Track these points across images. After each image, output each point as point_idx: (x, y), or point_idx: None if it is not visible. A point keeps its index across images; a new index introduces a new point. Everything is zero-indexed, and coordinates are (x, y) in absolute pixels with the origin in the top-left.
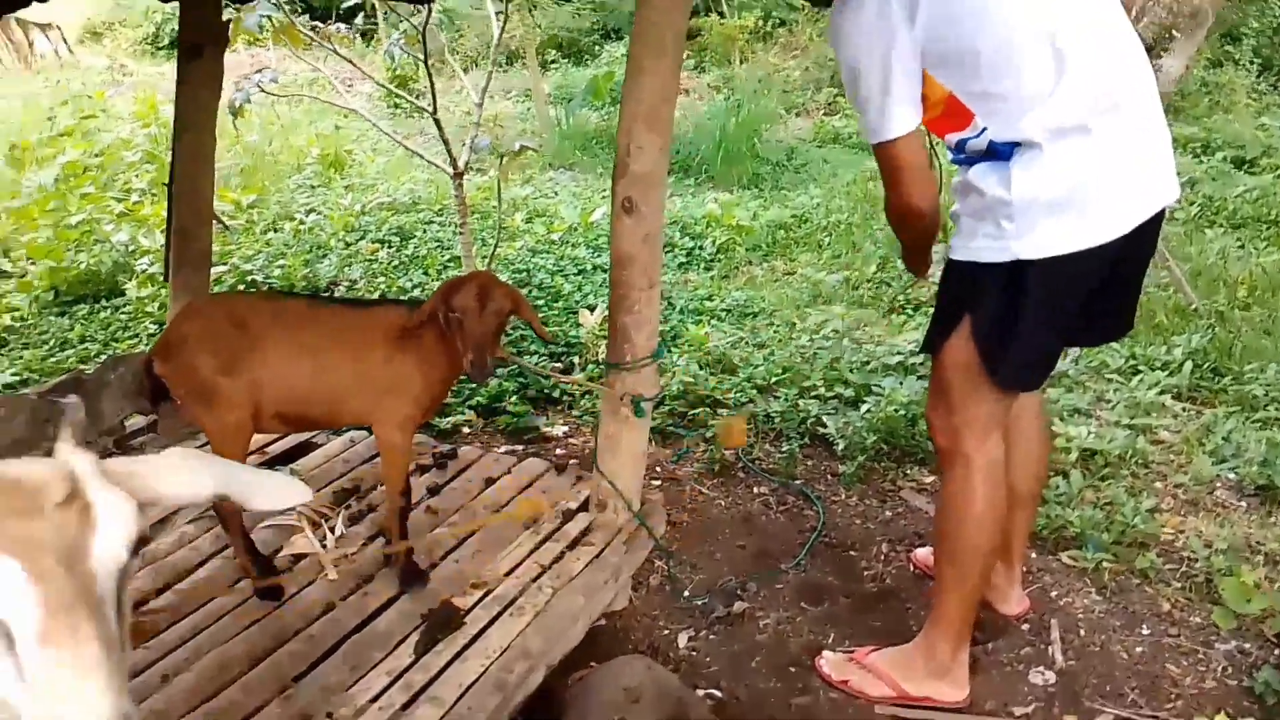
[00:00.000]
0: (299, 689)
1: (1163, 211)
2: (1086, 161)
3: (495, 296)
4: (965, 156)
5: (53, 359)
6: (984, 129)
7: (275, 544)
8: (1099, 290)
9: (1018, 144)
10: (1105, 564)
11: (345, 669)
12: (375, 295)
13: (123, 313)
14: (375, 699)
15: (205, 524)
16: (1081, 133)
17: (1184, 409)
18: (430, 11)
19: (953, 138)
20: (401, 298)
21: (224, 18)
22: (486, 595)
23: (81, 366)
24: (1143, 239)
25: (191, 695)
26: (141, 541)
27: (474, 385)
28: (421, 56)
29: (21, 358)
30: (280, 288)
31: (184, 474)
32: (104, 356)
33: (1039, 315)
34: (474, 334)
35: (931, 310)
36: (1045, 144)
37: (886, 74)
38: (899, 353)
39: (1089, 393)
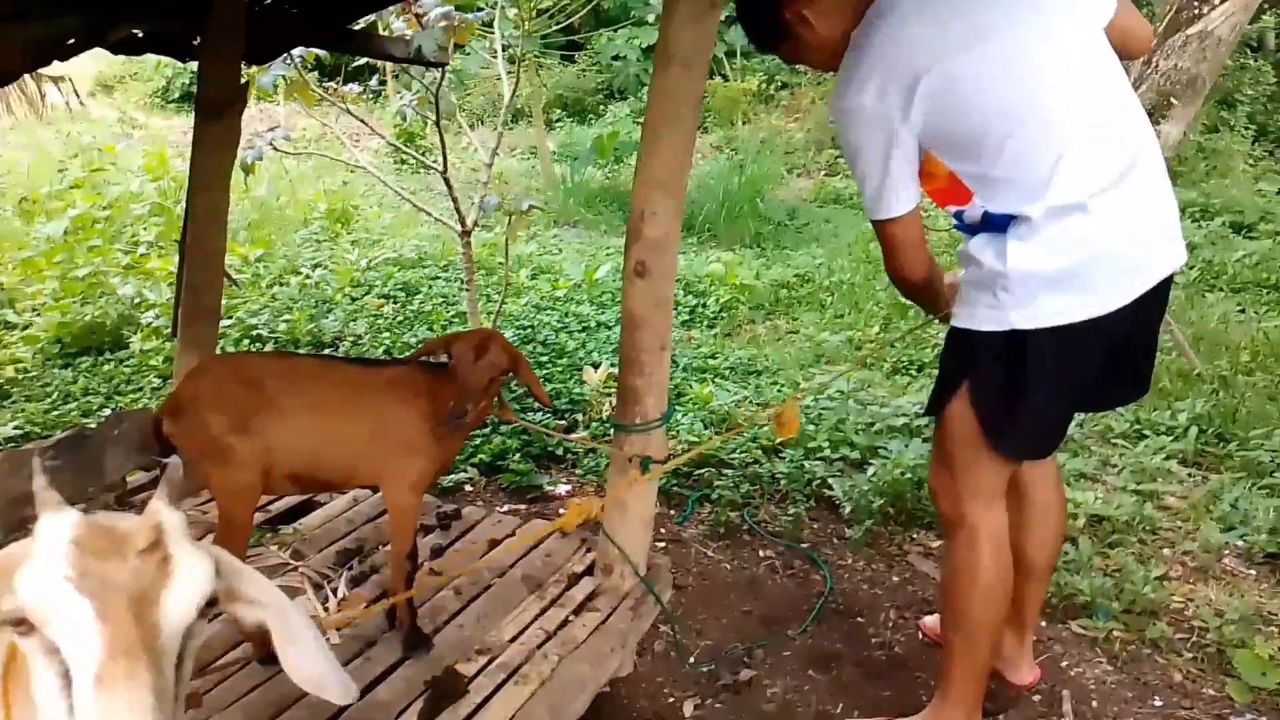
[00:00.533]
0: None
1: (1170, 276)
2: (1084, 238)
3: (493, 351)
4: (965, 226)
5: (55, 412)
6: (980, 206)
7: None
8: (1108, 357)
9: (1013, 216)
10: (1116, 633)
11: None
12: (380, 350)
13: (126, 366)
14: None
15: None
16: (1080, 211)
17: (1190, 474)
18: (444, 73)
19: (952, 208)
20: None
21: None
22: (490, 662)
23: (84, 420)
24: (1150, 305)
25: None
26: (211, 604)
27: (477, 443)
28: (433, 116)
29: (24, 410)
30: (285, 343)
31: (264, 595)
32: (106, 410)
33: (1039, 384)
34: (463, 382)
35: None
36: (1040, 221)
37: (885, 158)
38: (904, 414)
39: (1094, 457)
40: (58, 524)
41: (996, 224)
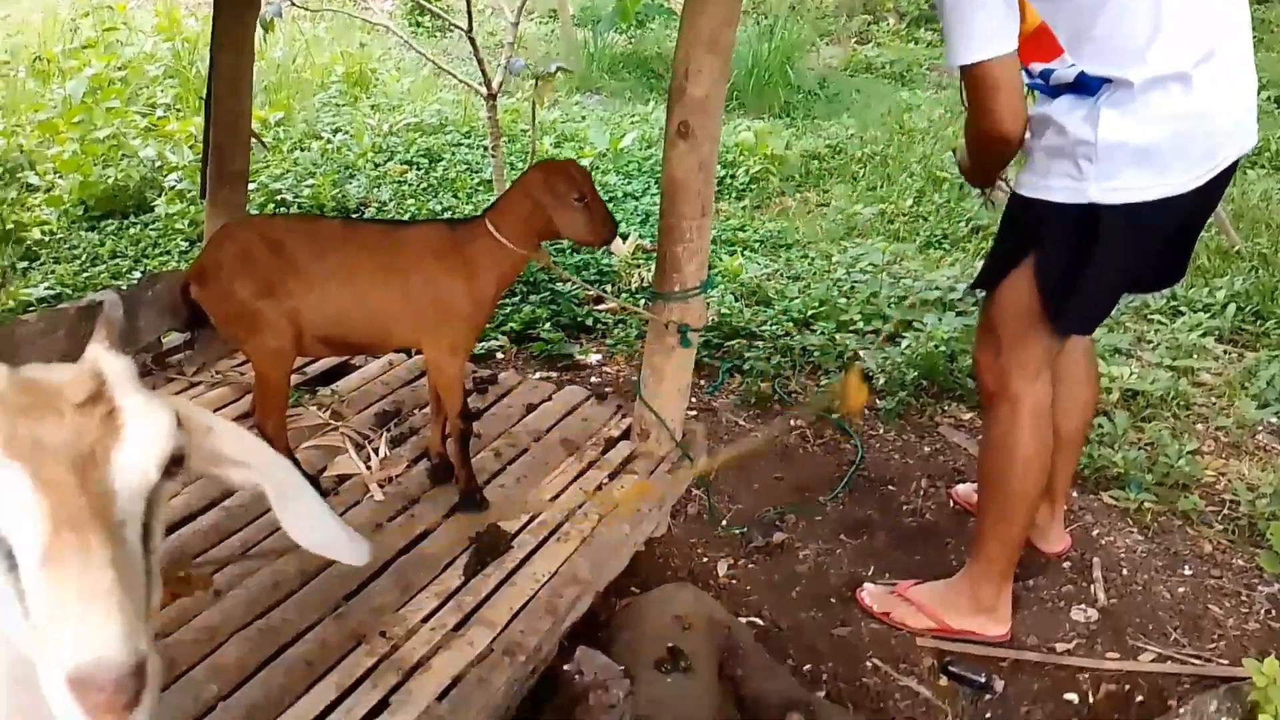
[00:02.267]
0: (350, 608)
1: (1238, 160)
2: (1179, 112)
3: (588, 175)
4: (1048, 86)
5: (85, 274)
6: (1074, 65)
7: (320, 465)
8: (1171, 239)
9: (1109, 80)
10: (1147, 505)
11: (395, 590)
12: (406, 215)
13: (152, 229)
14: (426, 619)
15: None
16: (1179, 81)
17: (1226, 351)
18: None
19: (1037, 66)
20: (439, 218)
21: None
22: (532, 521)
23: (115, 282)
24: (1217, 188)
25: (246, 611)
26: (176, 463)
27: (507, 311)
28: None
29: (54, 272)
30: (310, 208)
31: (246, 454)
32: (135, 273)
33: (1109, 262)
34: (600, 208)
35: (975, 244)
36: (1141, 87)
37: None
38: (937, 288)
39: (1130, 333)
40: None
41: (1088, 87)
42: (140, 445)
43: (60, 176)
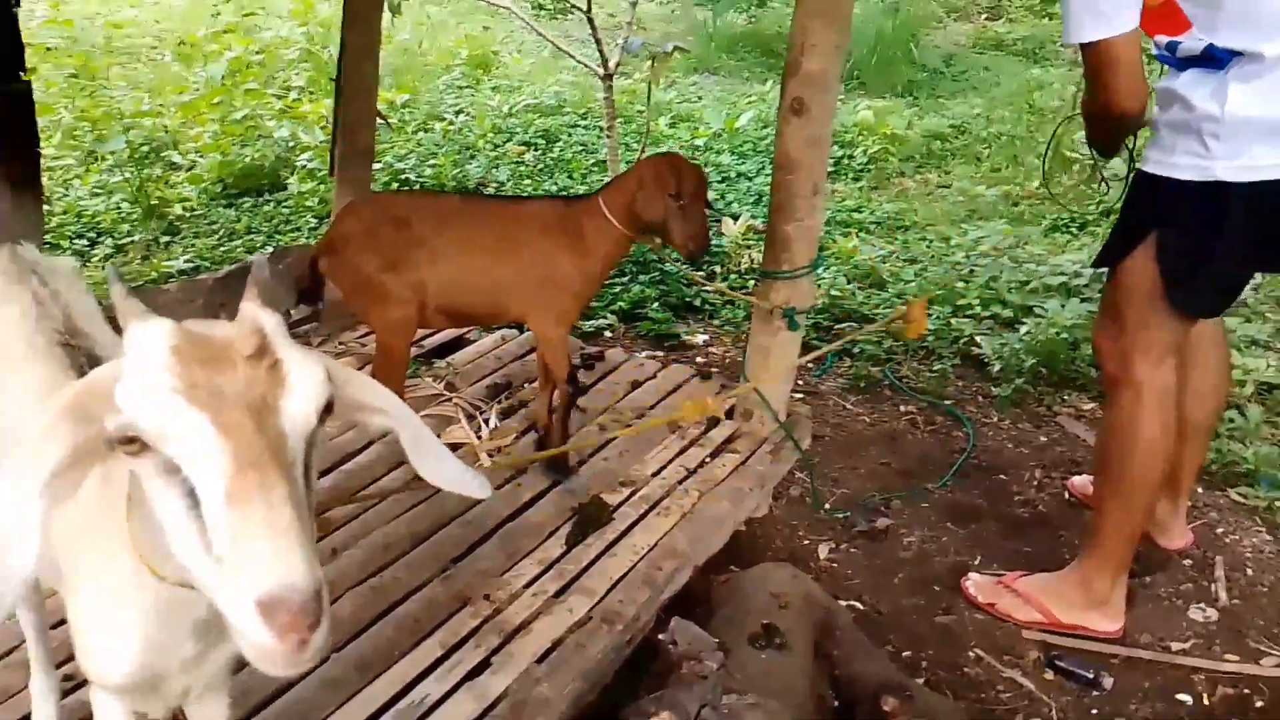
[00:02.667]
0: (457, 570)
1: None
2: None
3: (705, 182)
4: (1175, 59)
5: (222, 248)
6: (1201, 38)
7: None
8: None
9: (1239, 53)
10: (1278, 504)
11: (501, 555)
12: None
13: (284, 206)
14: (528, 585)
15: None
16: None
17: None
18: None
19: (1163, 39)
20: (554, 194)
21: None
22: (633, 494)
23: (249, 256)
24: None
25: (360, 569)
26: (328, 410)
27: (615, 290)
28: None
29: (194, 246)
30: (432, 187)
31: (380, 401)
32: (269, 247)
33: (1234, 241)
34: (697, 217)
35: (1105, 228)
36: (1271, 60)
37: None
38: (1062, 273)
39: (1269, 324)
40: (150, 333)
41: (1216, 60)
42: (303, 393)
43: (201, 156)
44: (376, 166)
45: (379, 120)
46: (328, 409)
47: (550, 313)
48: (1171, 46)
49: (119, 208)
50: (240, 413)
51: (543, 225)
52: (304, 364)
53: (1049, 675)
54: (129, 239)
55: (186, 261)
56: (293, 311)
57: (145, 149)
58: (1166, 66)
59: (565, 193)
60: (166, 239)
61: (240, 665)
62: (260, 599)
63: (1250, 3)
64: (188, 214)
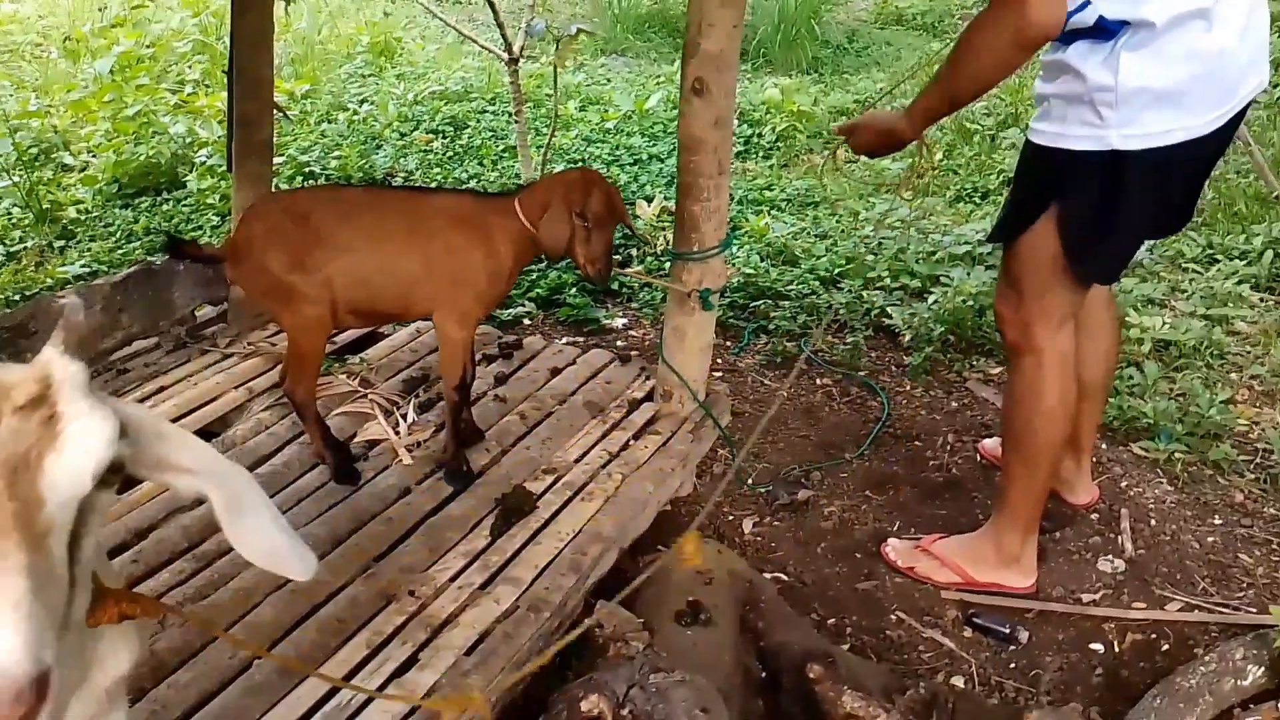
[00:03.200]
0: (380, 569)
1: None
2: (1198, 51)
3: (618, 204)
4: (1063, 33)
5: (119, 250)
6: (1095, 9)
7: (349, 431)
8: (1191, 181)
9: (1128, 23)
10: (1178, 455)
11: (424, 550)
12: (432, 185)
13: (185, 205)
14: (454, 578)
15: (281, 410)
16: (1199, 17)
17: (1262, 299)
18: None
19: None
20: (464, 187)
21: None
22: (557, 481)
23: (149, 258)
24: (1231, 128)
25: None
26: (114, 472)
27: (533, 277)
28: None
29: (89, 250)
30: (338, 179)
31: (200, 463)
32: None
33: (1134, 208)
34: (603, 241)
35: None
36: (1161, 28)
37: None
38: (966, 242)
39: (1164, 283)
40: None
41: (1107, 31)
42: (76, 453)
43: (93, 155)
44: (279, 160)
45: (276, 112)
46: (114, 470)
47: (454, 311)
48: None
49: (9, 213)
50: None
51: (452, 218)
52: (88, 420)
53: (968, 633)
54: (21, 245)
55: (83, 266)
56: (197, 313)
57: (34, 151)
58: (1051, 42)
59: (476, 179)
60: (61, 244)
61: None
62: None
63: None
64: (82, 217)
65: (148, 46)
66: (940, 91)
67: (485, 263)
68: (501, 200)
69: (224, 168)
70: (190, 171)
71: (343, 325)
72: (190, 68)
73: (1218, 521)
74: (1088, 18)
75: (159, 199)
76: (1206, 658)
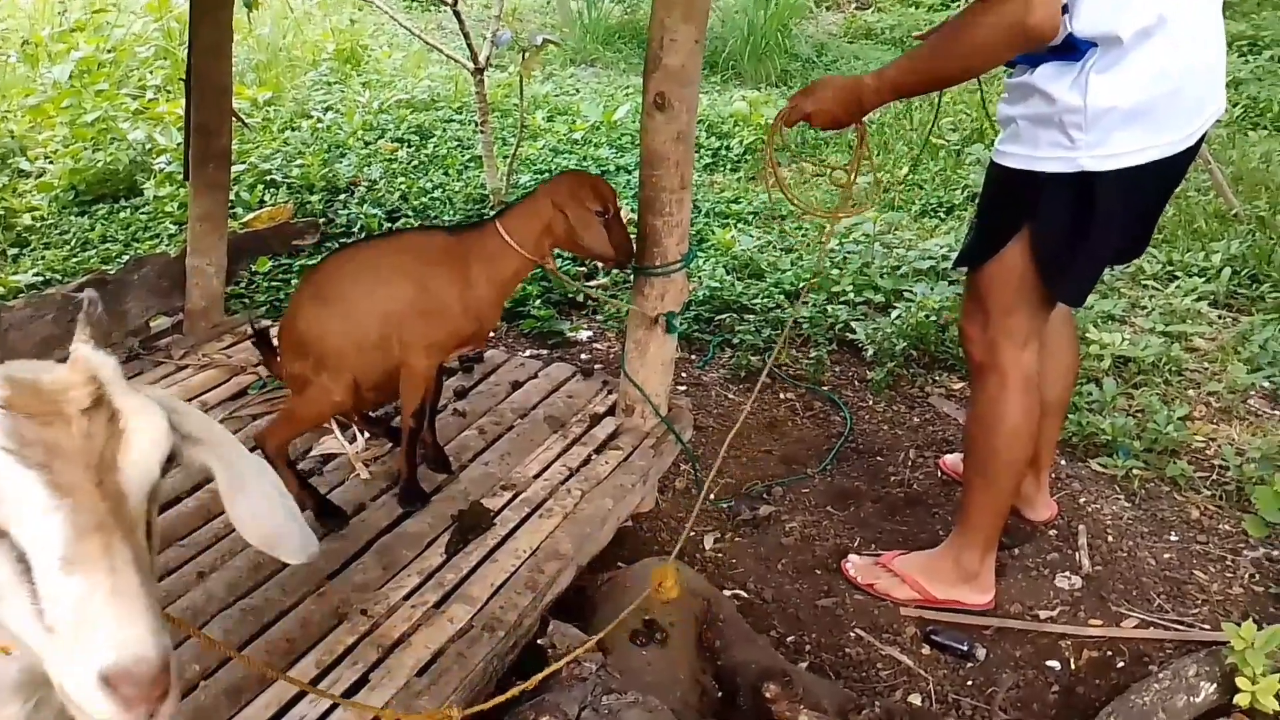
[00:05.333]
0: (332, 586)
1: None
2: (1166, 65)
3: (609, 187)
4: (1028, 55)
5: (75, 259)
6: (1062, 8)
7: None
8: (1158, 202)
9: (1095, 45)
10: (1135, 471)
11: (378, 568)
12: (395, 196)
13: (142, 213)
14: (408, 597)
15: (236, 423)
16: (1163, 33)
17: (1220, 316)
18: None
19: None
20: (436, 223)
21: None
22: (515, 497)
23: (104, 267)
24: (1194, 150)
25: (228, 592)
26: (171, 459)
27: None
28: None
29: (44, 258)
30: (300, 188)
31: (207, 433)
32: (125, 256)
33: (1107, 230)
34: (619, 224)
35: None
36: (1128, 43)
37: None
38: (931, 257)
39: (1124, 299)
40: None
41: (1076, 50)
42: (143, 447)
43: (50, 161)
44: (240, 167)
45: (235, 120)
46: (171, 460)
47: (421, 341)
48: None
49: None
50: (78, 471)
51: (422, 258)
52: (143, 414)
53: (926, 650)
54: None
55: (36, 275)
56: (151, 324)
57: None
58: (1017, 63)
59: (441, 189)
60: (14, 251)
61: None
62: (105, 672)
63: None
64: (37, 224)
65: (108, 51)
66: (918, 69)
67: (458, 296)
68: (478, 230)
69: (183, 175)
70: (149, 179)
71: (362, 407)
72: (151, 73)
73: (1174, 538)
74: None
75: (116, 206)
76: (1160, 674)
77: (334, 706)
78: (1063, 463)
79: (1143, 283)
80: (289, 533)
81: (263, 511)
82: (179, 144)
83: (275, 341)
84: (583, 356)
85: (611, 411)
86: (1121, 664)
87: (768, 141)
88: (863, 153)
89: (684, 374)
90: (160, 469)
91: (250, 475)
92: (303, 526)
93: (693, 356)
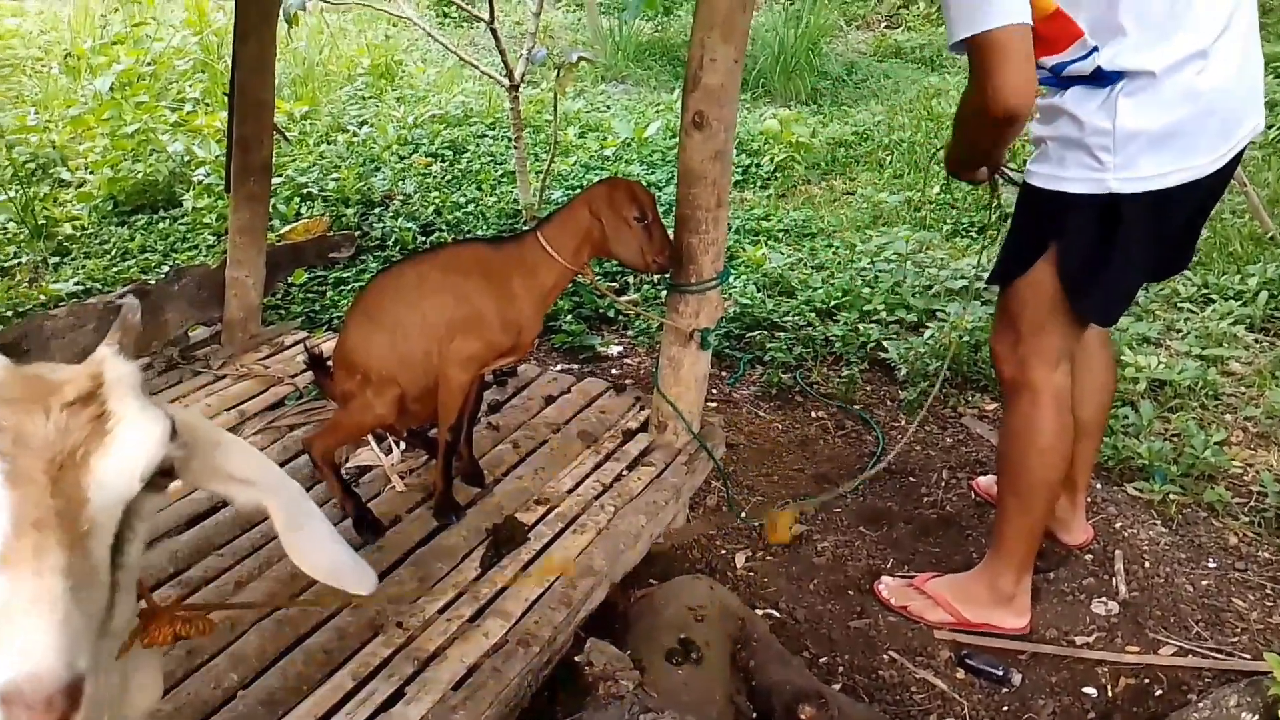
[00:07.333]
0: (368, 599)
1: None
2: (1198, 90)
3: (647, 192)
4: (1057, 78)
5: (115, 269)
6: (1093, 49)
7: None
8: (1191, 223)
9: (1125, 73)
10: (1172, 496)
11: (413, 581)
12: (429, 209)
13: (181, 224)
14: (443, 610)
15: (273, 434)
16: (1200, 58)
17: (1257, 340)
18: None
19: (1048, 60)
20: (477, 236)
21: None
22: (549, 512)
23: (143, 276)
24: (1229, 171)
25: (265, 602)
26: (166, 476)
27: None
28: None
29: (84, 267)
30: (335, 201)
31: (252, 471)
32: (164, 267)
33: (1133, 250)
34: (659, 229)
35: (1002, 235)
36: (1161, 75)
37: None
38: (963, 277)
39: (1159, 321)
40: None
41: (1105, 79)
42: (124, 452)
43: (91, 172)
44: (277, 180)
45: (276, 134)
46: (165, 473)
47: (457, 354)
48: (1057, 68)
49: (4, 228)
50: (38, 464)
51: (464, 270)
52: (138, 420)
53: (960, 674)
54: (15, 261)
55: (76, 284)
56: (190, 333)
57: (32, 166)
58: (1048, 86)
59: (474, 204)
60: (55, 260)
61: None
62: (1, 686)
63: (1142, 28)
64: (78, 233)
65: (148, 64)
66: (954, 154)
67: (500, 310)
68: (518, 242)
69: (221, 187)
70: (187, 190)
71: (407, 423)
72: (190, 86)
73: (1212, 565)
74: (1086, 67)
75: (155, 217)
76: (1200, 704)
77: (370, 718)
78: (1098, 487)
79: (1178, 305)
80: (347, 564)
81: (321, 550)
82: (217, 156)
83: (329, 362)
84: (613, 371)
85: (644, 428)
86: (1159, 692)
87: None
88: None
89: (714, 391)
90: (141, 480)
91: (304, 513)
92: (359, 560)
93: (723, 373)
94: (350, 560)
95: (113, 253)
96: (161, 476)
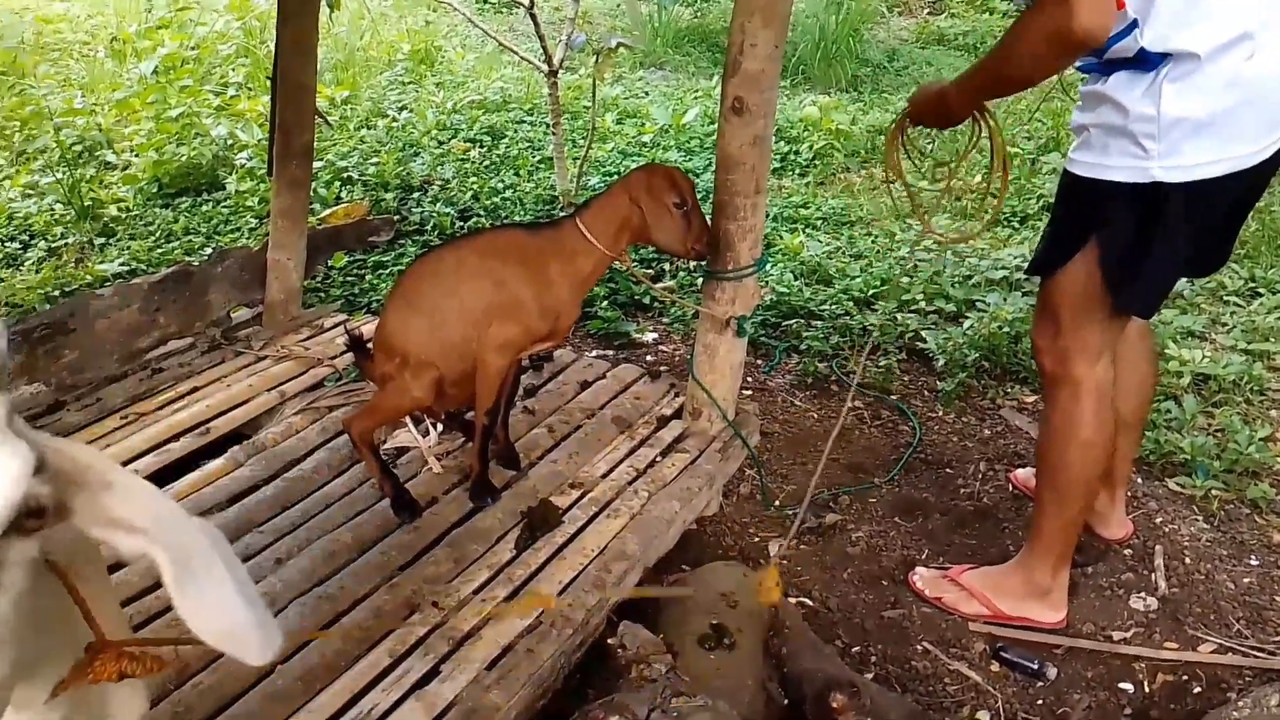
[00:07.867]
0: (405, 578)
1: None
2: (1244, 76)
3: (686, 179)
4: (1099, 65)
5: (159, 250)
6: (1133, 22)
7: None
8: (1232, 215)
9: (1170, 55)
10: (1215, 492)
11: (448, 561)
12: (467, 194)
13: (224, 206)
14: (478, 591)
15: (312, 415)
16: (1244, 41)
17: None
18: None
19: None
20: (515, 221)
21: None
22: (583, 496)
23: (187, 258)
24: (1277, 162)
25: (305, 579)
26: (33, 516)
27: None
28: None
29: (129, 248)
30: (374, 185)
31: (147, 520)
32: (207, 249)
33: (1174, 241)
34: (698, 216)
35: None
36: (1205, 58)
37: None
38: (1003, 267)
39: (1204, 315)
40: None
41: (1148, 62)
42: None
43: (136, 155)
44: (318, 165)
45: (317, 119)
46: (35, 513)
47: (494, 338)
48: (1097, 51)
49: (51, 209)
50: None
51: (502, 255)
52: None
53: (995, 667)
54: (62, 241)
55: (122, 264)
56: (232, 315)
57: (78, 148)
58: (1089, 74)
59: (512, 189)
60: (101, 241)
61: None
62: None
63: (1191, 6)
64: (123, 215)
65: (192, 48)
66: (983, 78)
67: (537, 296)
68: (556, 228)
69: (264, 170)
70: (230, 174)
71: (445, 405)
72: (233, 70)
73: (1254, 562)
74: (1130, 46)
75: (199, 200)
76: (1240, 702)
77: (406, 696)
78: (1139, 481)
79: (1224, 299)
80: (248, 627)
81: (215, 609)
82: (260, 140)
83: (369, 345)
84: (648, 358)
85: (678, 414)
86: (1198, 689)
87: (887, 147)
88: (997, 171)
89: (749, 379)
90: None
91: (198, 566)
92: (266, 621)
93: (758, 361)
94: (254, 622)
95: (157, 234)
96: (29, 518)
